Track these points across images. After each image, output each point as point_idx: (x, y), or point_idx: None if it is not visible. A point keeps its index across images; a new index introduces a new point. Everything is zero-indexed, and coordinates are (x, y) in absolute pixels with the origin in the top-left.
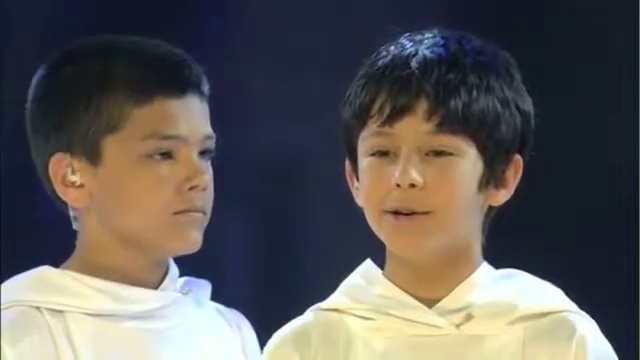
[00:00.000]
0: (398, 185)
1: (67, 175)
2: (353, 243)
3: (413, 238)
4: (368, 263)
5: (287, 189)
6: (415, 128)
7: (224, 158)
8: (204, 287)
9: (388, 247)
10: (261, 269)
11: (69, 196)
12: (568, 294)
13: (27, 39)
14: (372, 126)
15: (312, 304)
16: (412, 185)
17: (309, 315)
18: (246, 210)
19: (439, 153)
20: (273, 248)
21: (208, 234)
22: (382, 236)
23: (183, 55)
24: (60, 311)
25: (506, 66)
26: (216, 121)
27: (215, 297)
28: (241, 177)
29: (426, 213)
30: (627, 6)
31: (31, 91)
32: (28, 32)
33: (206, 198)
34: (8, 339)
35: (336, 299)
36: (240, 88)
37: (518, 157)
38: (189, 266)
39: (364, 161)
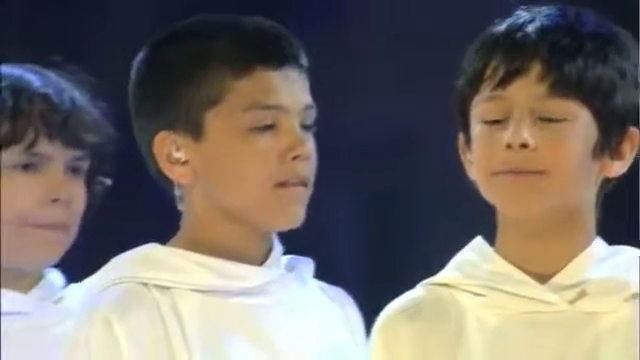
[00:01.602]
0: (509, 146)
1: (171, 153)
2: (463, 221)
3: (524, 196)
4: (479, 239)
5: (395, 166)
6: (528, 90)
7: (331, 135)
8: (307, 265)
9: (499, 210)
10: (368, 248)
11: (174, 173)
12: None
13: (127, 25)
14: (485, 90)
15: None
16: (523, 146)
17: (419, 290)
18: (353, 187)
19: (551, 120)
20: (380, 226)
21: (315, 211)
22: (493, 200)
23: (280, 28)
24: (167, 287)
25: (625, 40)
26: (323, 95)
27: (321, 276)
28: (349, 154)
29: (538, 172)
30: None
31: (133, 74)
32: (128, 19)
33: (309, 168)
34: (117, 314)
35: (447, 274)
36: (350, 61)
37: (635, 130)
38: (296, 245)
39: (476, 128)
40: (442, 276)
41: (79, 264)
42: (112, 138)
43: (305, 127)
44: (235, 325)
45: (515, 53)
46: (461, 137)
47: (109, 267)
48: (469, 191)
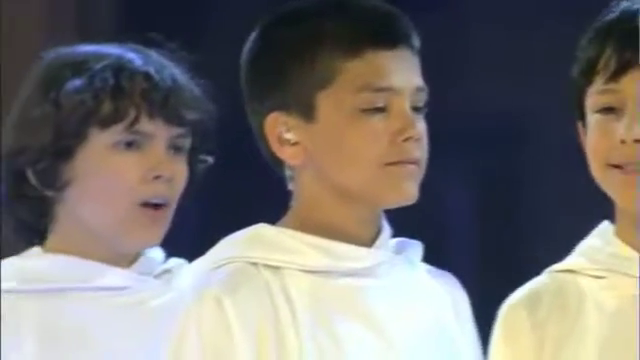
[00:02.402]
0: (623, 141)
1: (282, 134)
2: (579, 208)
3: (633, 192)
4: (605, 224)
5: (510, 151)
6: None
7: (443, 118)
8: (416, 248)
9: (617, 203)
10: (480, 233)
11: (285, 154)
12: None
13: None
14: (598, 83)
15: (536, 271)
16: (637, 141)
17: (543, 277)
18: (468, 172)
19: None
20: (496, 211)
21: (426, 195)
22: (609, 191)
23: (392, 8)
24: (277, 267)
25: None
26: (437, 78)
27: (431, 261)
28: (464, 138)
29: None
30: None
31: (244, 56)
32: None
33: (420, 149)
34: (228, 293)
35: (572, 260)
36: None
37: None
38: (408, 229)
39: (591, 118)
40: (566, 262)
41: (190, 244)
42: (213, 115)
43: (416, 109)
44: (343, 306)
45: (627, 44)
46: (579, 125)
47: (220, 247)
48: (585, 177)
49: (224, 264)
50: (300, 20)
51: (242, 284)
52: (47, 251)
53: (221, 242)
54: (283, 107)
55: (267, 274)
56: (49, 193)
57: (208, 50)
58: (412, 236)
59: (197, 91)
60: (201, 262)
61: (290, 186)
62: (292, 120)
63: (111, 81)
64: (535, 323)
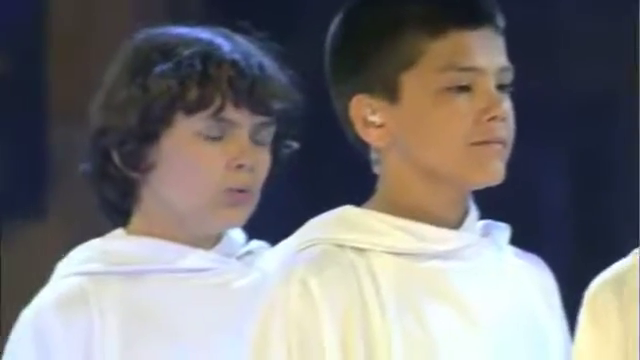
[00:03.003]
0: None
1: (367, 116)
2: None
3: None
4: None
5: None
6: None
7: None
8: (503, 231)
9: None
10: (573, 214)
11: (370, 136)
12: None
13: None
14: None
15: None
16: None
17: (629, 258)
18: (561, 150)
19: None
20: (588, 193)
21: (517, 174)
22: None
23: None
24: (363, 249)
25: None
26: (530, 59)
27: (523, 240)
28: (555, 116)
29: None
30: None
31: (329, 39)
32: None
33: (506, 129)
34: (314, 275)
35: None
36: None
37: None
38: (500, 209)
39: None
40: None
41: (277, 227)
42: (299, 104)
43: (501, 88)
44: (429, 288)
45: None
46: None
47: (306, 229)
48: None
49: (310, 246)
50: (384, 2)
51: (328, 266)
52: (130, 233)
53: (307, 224)
54: (367, 89)
55: (353, 256)
56: (133, 174)
57: (296, 40)
58: (501, 219)
59: (284, 80)
60: (287, 244)
61: (376, 169)
62: (376, 102)
63: (198, 67)
64: (620, 306)
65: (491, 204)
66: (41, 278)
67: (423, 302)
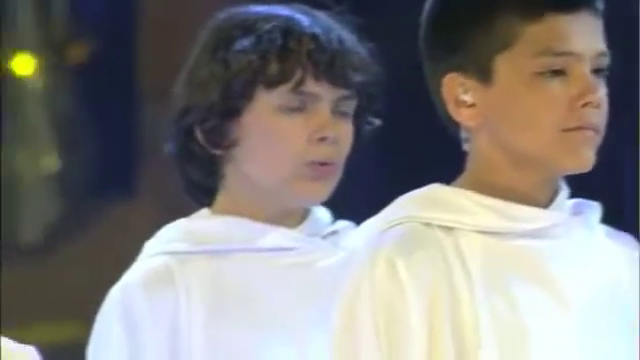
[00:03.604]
0: None
1: (459, 95)
2: None
3: None
4: None
5: None
6: None
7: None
8: (594, 209)
9: None
10: None
11: (461, 116)
12: None
13: None
14: None
15: None
16: None
17: None
18: None
19: None
20: None
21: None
22: None
23: None
24: (451, 228)
25: None
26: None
27: (611, 221)
28: None
29: None
30: None
31: (425, 15)
32: None
33: (599, 116)
34: (400, 254)
35: None
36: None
37: None
38: (587, 189)
39: None
40: None
41: (365, 207)
42: (379, 78)
43: (597, 72)
44: (518, 267)
45: None
46: None
47: (393, 207)
48: None
49: (397, 224)
50: None
51: (415, 245)
52: (215, 212)
53: (395, 202)
54: (461, 69)
55: (440, 235)
56: (217, 152)
57: (375, 12)
58: (591, 197)
59: (364, 53)
60: (373, 222)
61: (466, 147)
62: (469, 82)
63: (278, 42)
64: None
65: (578, 183)
66: (129, 257)
67: (512, 281)
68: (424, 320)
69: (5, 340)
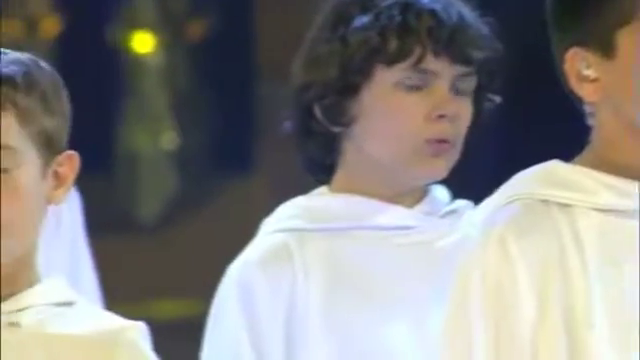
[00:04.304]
0: None
1: (581, 70)
2: None
3: None
4: None
5: None
6: None
7: None
8: None
9: None
10: None
11: (583, 91)
12: None
13: None
14: None
15: None
16: None
17: None
18: None
19: None
20: None
21: None
22: None
23: None
24: (568, 205)
25: None
26: None
27: None
28: None
29: None
30: None
31: None
32: None
33: None
34: (513, 232)
35: None
36: None
37: None
38: None
39: None
40: None
41: (483, 184)
42: (500, 54)
43: None
44: (633, 248)
45: None
46: None
47: (511, 183)
48: None
49: (513, 201)
50: None
51: (529, 222)
52: (333, 191)
53: (513, 178)
54: (583, 43)
55: (557, 212)
56: (335, 129)
57: None
58: None
59: (484, 30)
60: (492, 199)
61: (590, 122)
62: (592, 56)
63: (398, 18)
64: None
65: None
66: (247, 233)
67: (626, 262)
68: (533, 298)
69: (115, 316)
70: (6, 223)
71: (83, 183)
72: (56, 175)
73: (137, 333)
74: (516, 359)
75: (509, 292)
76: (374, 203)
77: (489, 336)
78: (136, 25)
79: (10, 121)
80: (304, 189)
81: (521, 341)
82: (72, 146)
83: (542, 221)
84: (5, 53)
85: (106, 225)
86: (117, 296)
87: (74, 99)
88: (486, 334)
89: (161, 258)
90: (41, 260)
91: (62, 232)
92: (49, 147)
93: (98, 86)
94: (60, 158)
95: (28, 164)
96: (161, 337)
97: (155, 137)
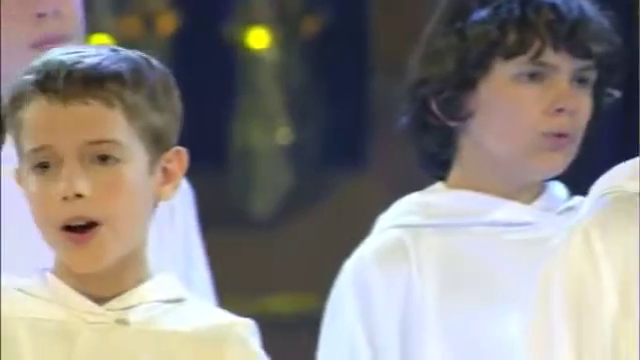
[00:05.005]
0: None
1: None
2: None
3: None
4: None
5: None
6: None
7: None
8: None
9: None
10: None
11: None
12: None
13: None
14: None
15: None
16: None
17: None
18: None
19: None
20: None
21: None
22: None
23: None
24: None
25: None
26: None
27: None
28: None
29: None
30: None
31: None
32: None
33: None
34: (597, 227)
35: None
36: None
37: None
38: None
39: None
40: None
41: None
42: (619, 48)
43: None
44: None
45: None
46: None
47: (606, 176)
48: None
49: (605, 194)
50: None
51: (615, 217)
52: (449, 186)
53: (611, 170)
54: None
55: None
56: (452, 123)
57: None
58: None
59: (604, 23)
60: (590, 192)
61: None
62: None
63: (517, 12)
64: None
65: None
66: (361, 229)
67: None
68: (616, 295)
69: (225, 313)
70: (111, 216)
71: (198, 178)
72: (164, 171)
73: (247, 330)
74: (598, 358)
75: (592, 290)
76: (491, 199)
77: (571, 335)
78: (251, 21)
79: (117, 117)
80: (418, 185)
81: (603, 339)
82: (187, 142)
83: (629, 215)
84: (117, 50)
85: (220, 220)
86: (231, 291)
87: (189, 95)
88: (568, 333)
89: (275, 253)
90: (152, 256)
91: (175, 228)
92: (157, 143)
93: (213, 82)
94: (169, 154)
95: (135, 159)
96: (276, 332)
97: (269, 133)
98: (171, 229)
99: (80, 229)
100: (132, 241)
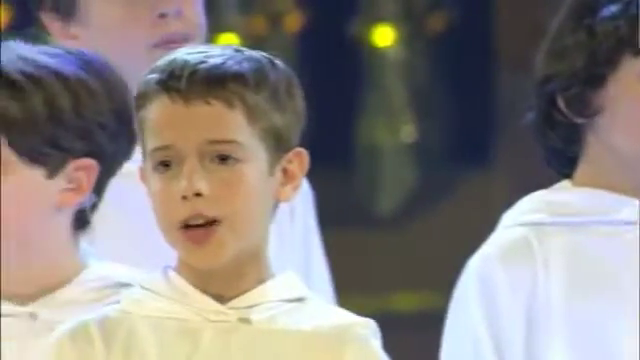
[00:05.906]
0: None
1: None
2: None
3: None
4: None
5: None
6: None
7: None
8: None
9: None
10: None
11: None
12: None
13: None
14: None
15: None
16: None
17: None
18: None
19: None
20: None
21: None
22: None
23: None
24: None
25: None
26: None
27: None
28: None
29: None
30: None
31: None
32: None
33: None
34: None
35: None
36: None
37: None
38: None
39: None
40: None
41: None
42: None
43: None
44: None
45: None
46: None
47: None
48: None
49: None
50: None
51: None
52: (576, 184)
53: None
54: None
55: None
56: (579, 120)
57: None
58: None
59: None
60: None
61: None
62: None
63: (633, 10)
64: None
65: None
66: (486, 227)
67: None
68: None
69: (345, 312)
70: (230, 215)
71: (323, 177)
72: (285, 172)
73: (367, 330)
74: None
75: None
76: (618, 197)
77: None
78: (377, 19)
79: (238, 117)
80: (543, 183)
81: None
82: (312, 140)
83: None
84: (241, 51)
85: (346, 217)
86: (356, 290)
87: (315, 93)
88: None
89: (400, 251)
90: (272, 256)
91: (294, 228)
92: (278, 144)
93: (339, 80)
94: (289, 155)
95: (255, 160)
96: (399, 329)
97: (394, 131)
98: (291, 230)
99: (199, 228)
100: (251, 240)
